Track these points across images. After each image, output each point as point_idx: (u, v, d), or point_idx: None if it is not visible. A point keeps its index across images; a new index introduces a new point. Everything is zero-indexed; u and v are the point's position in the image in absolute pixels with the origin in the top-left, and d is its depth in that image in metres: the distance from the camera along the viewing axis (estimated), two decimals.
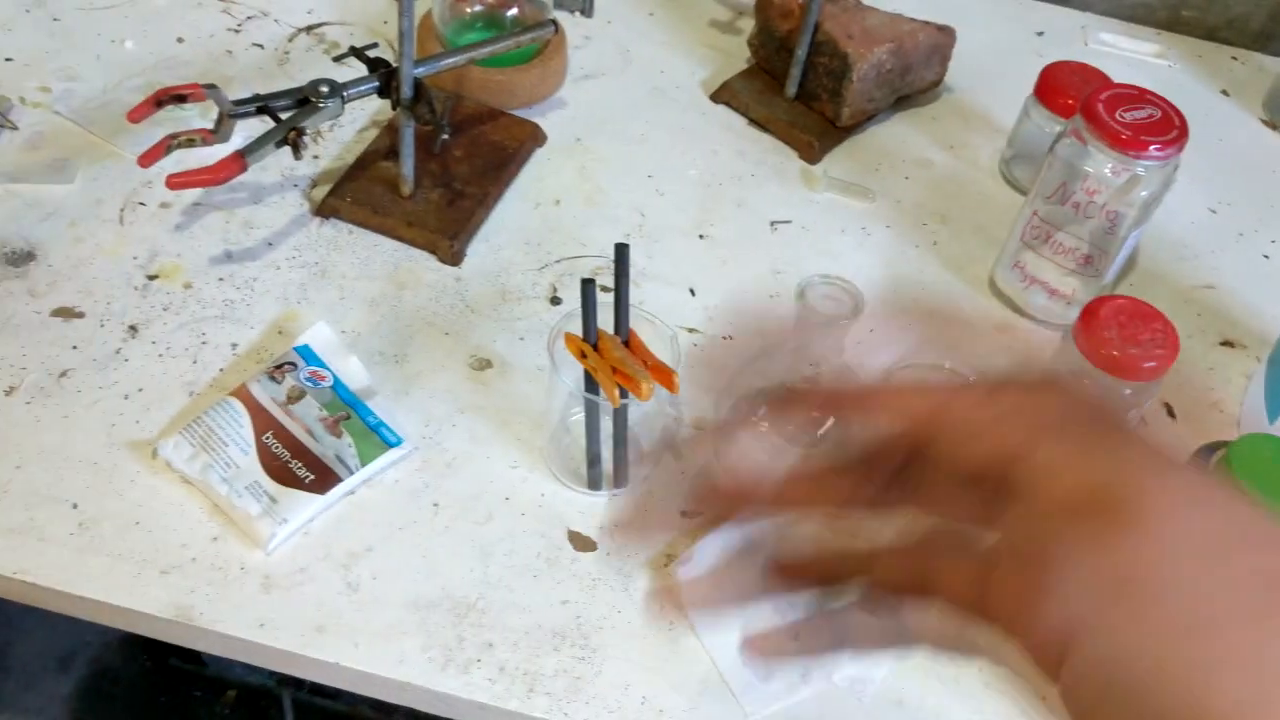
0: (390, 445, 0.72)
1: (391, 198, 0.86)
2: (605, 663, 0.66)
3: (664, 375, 0.66)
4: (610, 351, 0.67)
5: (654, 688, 0.65)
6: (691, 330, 0.83)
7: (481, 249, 0.87)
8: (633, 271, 0.81)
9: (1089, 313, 0.76)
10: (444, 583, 0.68)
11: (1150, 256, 0.94)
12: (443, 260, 0.85)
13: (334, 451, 0.71)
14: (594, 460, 0.72)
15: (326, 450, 0.71)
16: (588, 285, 0.66)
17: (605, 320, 0.67)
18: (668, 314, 0.81)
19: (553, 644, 0.66)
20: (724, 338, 0.83)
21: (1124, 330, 0.75)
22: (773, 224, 0.92)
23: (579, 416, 0.74)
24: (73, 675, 1.26)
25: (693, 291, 0.86)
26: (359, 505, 0.71)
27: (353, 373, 0.75)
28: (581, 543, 0.71)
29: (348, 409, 0.73)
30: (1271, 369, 0.82)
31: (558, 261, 0.87)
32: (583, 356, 0.67)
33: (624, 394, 0.65)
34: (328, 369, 0.74)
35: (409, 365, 0.78)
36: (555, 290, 0.85)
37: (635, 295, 0.81)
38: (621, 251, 0.66)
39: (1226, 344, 0.89)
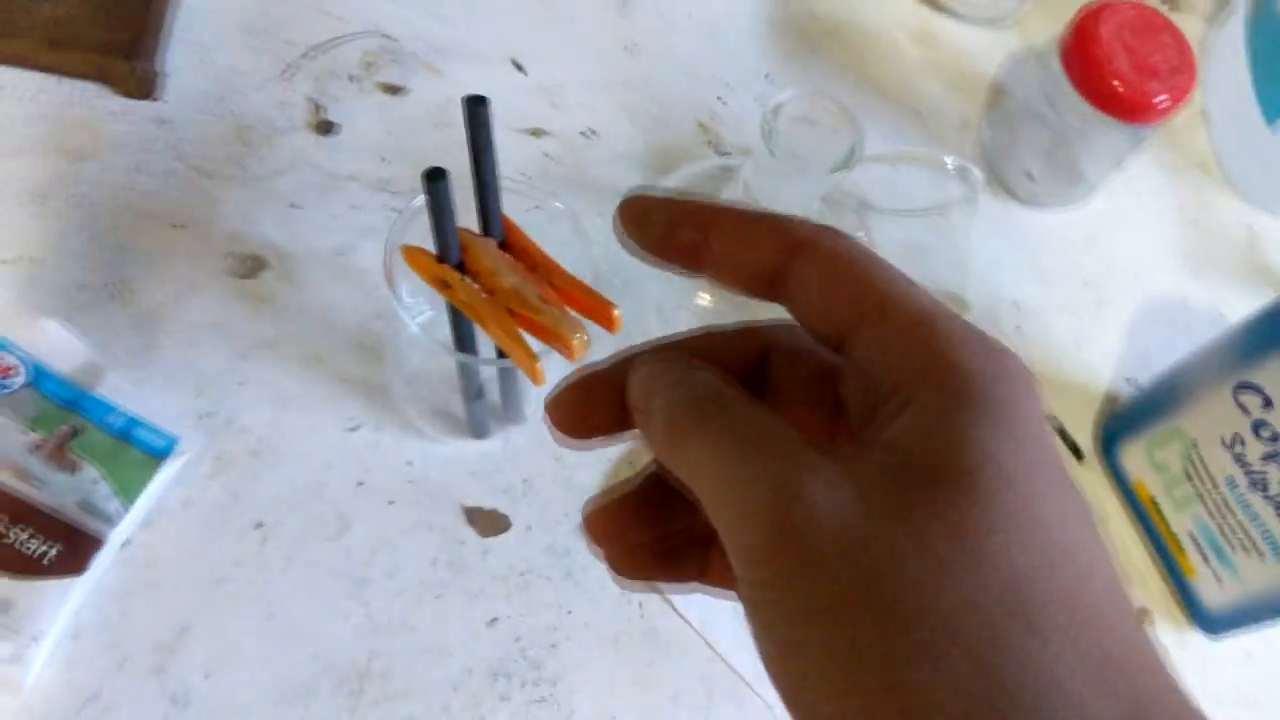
0: (159, 454, 0.46)
1: (14, 1, 0.52)
2: (574, 694, 0.47)
3: (593, 305, 0.42)
4: (496, 277, 0.42)
5: (645, 709, 0.48)
6: (537, 132, 0.57)
7: (184, 62, 0.55)
8: (424, 44, 0.55)
9: (1085, 31, 0.56)
10: (313, 649, 0.46)
11: None
12: (126, 93, 0.54)
13: (75, 495, 0.44)
14: (477, 394, 0.49)
15: (63, 497, 0.44)
16: (435, 182, 0.39)
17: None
18: (494, 105, 0.56)
19: (495, 688, 0.47)
20: (584, 132, 0.58)
21: (1132, 54, 0.56)
22: None
23: (425, 318, 0.49)
24: None
25: (519, 65, 0.59)
26: (144, 566, 0.45)
27: (56, 347, 0.47)
28: (487, 522, 0.49)
29: (72, 415, 0.45)
30: (1258, 36, 0.66)
31: (306, 55, 0.57)
32: (446, 286, 0.42)
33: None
34: (13, 354, 0.46)
35: (138, 296, 0.50)
36: (319, 109, 0.56)
37: (433, 85, 0.55)
38: (476, 109, 0.40)
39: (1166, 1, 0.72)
